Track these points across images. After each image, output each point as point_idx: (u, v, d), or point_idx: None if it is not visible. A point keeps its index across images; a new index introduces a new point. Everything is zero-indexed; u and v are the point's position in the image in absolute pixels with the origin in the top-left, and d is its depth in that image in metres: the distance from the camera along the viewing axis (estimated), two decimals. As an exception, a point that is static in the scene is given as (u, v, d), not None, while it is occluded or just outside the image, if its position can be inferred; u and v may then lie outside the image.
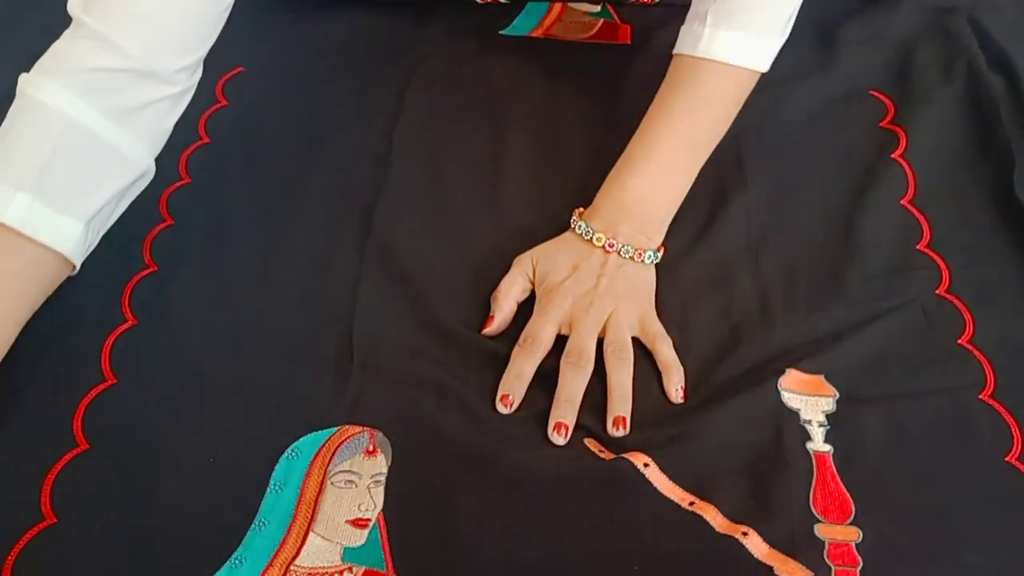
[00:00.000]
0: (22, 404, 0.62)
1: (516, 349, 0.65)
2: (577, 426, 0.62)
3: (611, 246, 0.68)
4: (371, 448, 0.61)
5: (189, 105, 0.71)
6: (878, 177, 0.77)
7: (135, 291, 0.69)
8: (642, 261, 0.69)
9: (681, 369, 0.65)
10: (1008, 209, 0.74)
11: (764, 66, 0.71)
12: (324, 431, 0.61)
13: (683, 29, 0.72)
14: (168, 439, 0.61)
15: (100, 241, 0.66)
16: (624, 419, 0.62)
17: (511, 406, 0.63)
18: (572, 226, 0.70)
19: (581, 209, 0.72)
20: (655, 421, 0.63)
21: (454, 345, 0.67)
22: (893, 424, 0.62)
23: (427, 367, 0.65)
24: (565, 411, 0.61)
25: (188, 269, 0.71)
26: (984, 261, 0.71)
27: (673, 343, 0.66)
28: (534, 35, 0.92)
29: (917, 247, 0.73)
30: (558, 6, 0.94)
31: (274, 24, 0.91)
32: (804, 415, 0.62)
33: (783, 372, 0.64)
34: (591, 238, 0.68)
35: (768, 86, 0.81)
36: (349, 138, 0.81)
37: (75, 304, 0.67)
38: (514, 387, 0.63)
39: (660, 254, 0.70)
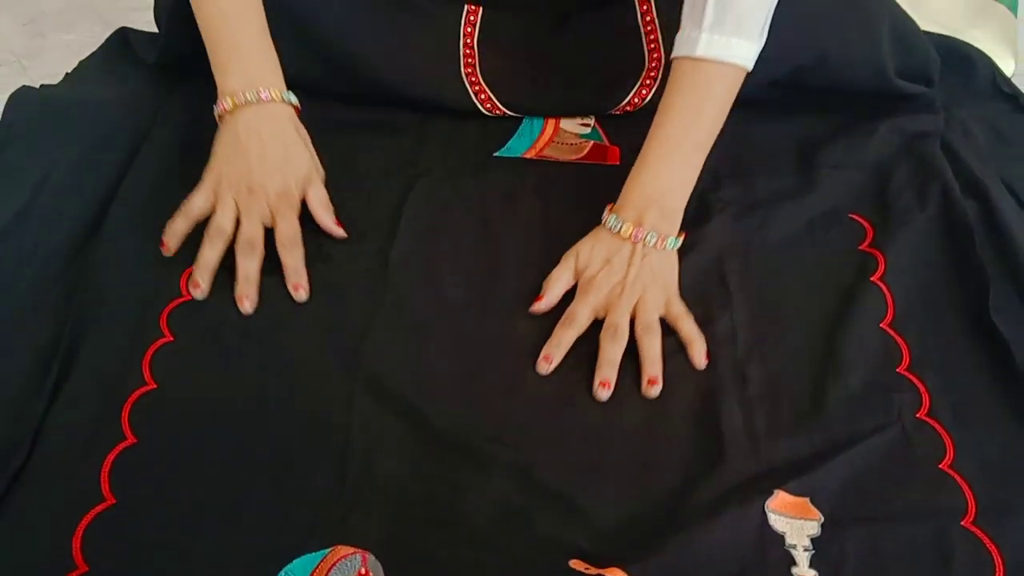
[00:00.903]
0: (22, 524, 0.62)
1: (558, 327, 0.76)
2: (563, 544, 0.63)
3: (637, 236, 0.77)
4: (363, 571, 0.61)
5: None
6: (858, 300, 0.79)
7: (135, 407, 0.70)
8: (664, 247, 0.78)
9: (703, 339, 0.76)
10: (983, 333, 0.76)
11: (750, 65, 0.79)
12: (316, 553, 0.62)
13: (678, 36, 0.80)
14: (165, 563, 0.61)
15: (100, 360, 0.69)
16: (656, 378, 0.73)
17: (551, 363, 0.74)
18: (603, 220, 0.80)
19: (611, 205, 0.80)
20: (641, 536, 0.63)
21: (450, 457, 0.68)
22: (875, 549, 0.62)
23: (420, 486, 0.66)
24: (607, 372, 0.73)
25: (187, 389, 0.72)
26: (962, 385, 0.73)
27: (658, 456, 0.70)
28: (527, 156, 0.95)
29: (897, 370, 0.74)
30: (550, 128, 0.98)
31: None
32: (789, 539, 0.63)
33: (770, 493, 0.65)
34: (619, 230, 0.78)
35: (752, 208, 0.85)
36: (346, 256, 0.83)
37: (72, 422, 0.68)
38: (554, 352, 0.74)
39: (680, 240, 0.80)
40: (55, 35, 1.11)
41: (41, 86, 0.95)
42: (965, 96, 0.99)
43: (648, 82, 0.96)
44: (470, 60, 0.97)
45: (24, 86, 0.90)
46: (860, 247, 0.85)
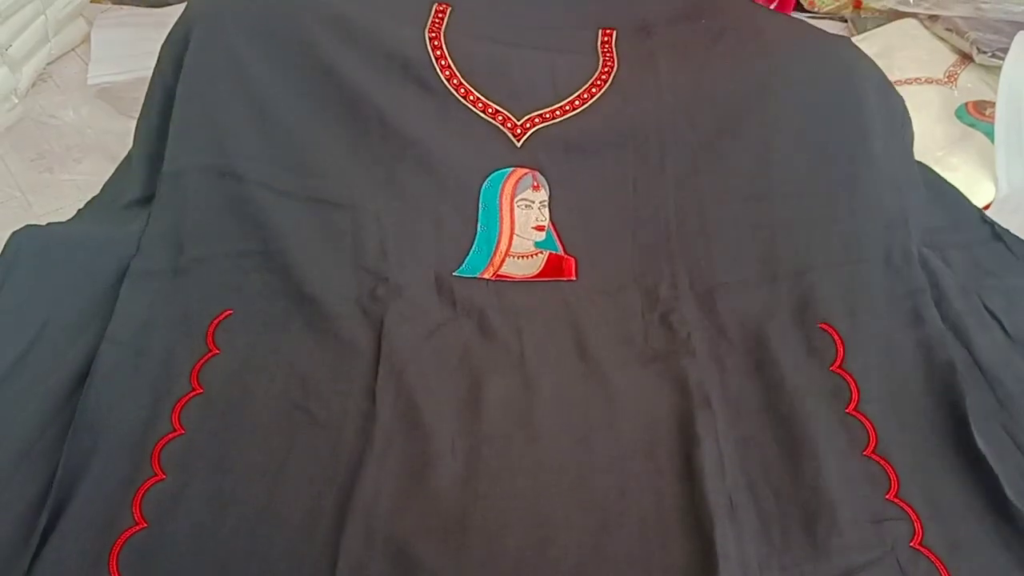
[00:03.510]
0: None
1: None
2: None
3: None
4: None
5: (182, 355, 0.78)
6: (837, 431, 0.79)
7: (122, 553, 0.69)
8: None
9: None
10: (969, 465, 0.75)
11: None
12: None
13: None
14: None
15: (87, 499, 0.70)
16: None
17: None
18: None
19: None
20: None
21: None
22: None
23: None
24: None
25: (179, 527, 0.71)
26: (953, 515, 0.72)
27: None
28: (486, 276, 0.96)
29: (886, 497, 0.74)
30: (505, 239, 0.98)
31: (257, 262, 0.93)
32: None
33: None
34: None
35: (720, 331, 0.89)
36: (334, 392, 0.83)
37: (62, 565, 0.67)
38: None
39: None
40: (62, 171, 1.15)
41: (48, 224, 0.97)
42: (945, 223, 1.01)
43: (598, 83, 0.98)
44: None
45: (28, 224, 0.92)
46: (831, 368, 0.85)
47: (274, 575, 0.69)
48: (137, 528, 0.71)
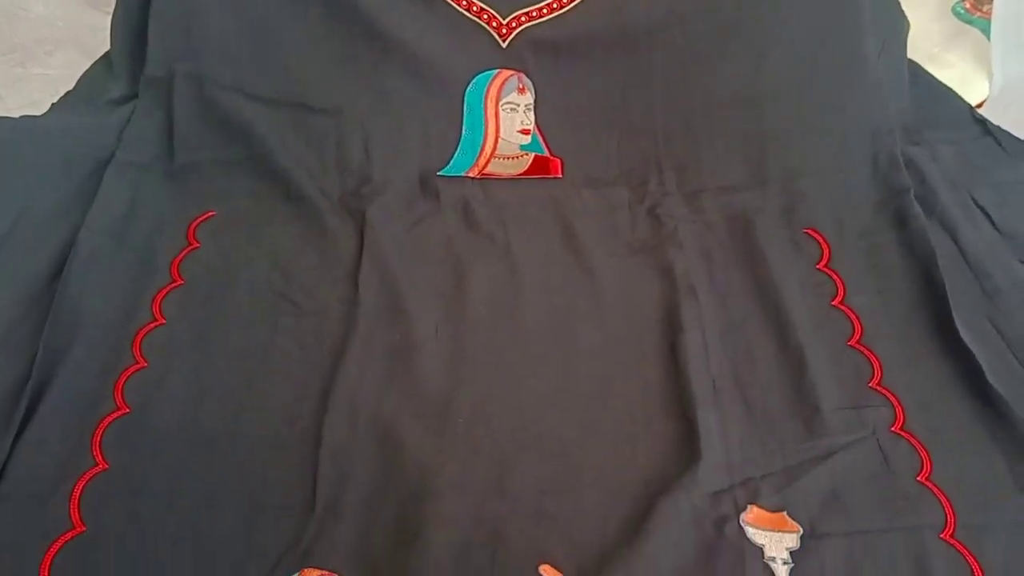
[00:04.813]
0: None
1: None
2: (534, 553, 0.63)
3: None
4: None
5: (162, 251, 0.74)
6: (822, 322, 0.79)
7: (105, 435, 0.69)
8: None
9: None
10: (952, 351, 0.76)
11: None
12: (286, 578, 0.61)
13: None
14: None
15: (68, 383, 0.69)
16: None
17: None
18: None
19: None
20: (617, 543, 0.63)
21: (422, 475, 0.67)
22: (854, 562, 0.62)
23: (391, 505, 0.66)
24: None
25: (162, 411, 0.71)
26: (935, 400, 0.73)
27: (636, 458, 0.70)
28: (471, 175, 0.95)
29: (869, 385, 0.74)
30: (491, 141, 0.97)
31: (244, 168, 0.92)
32: (768, 552, 0.63)
33: (745, 507, 0.65)
34: None
35: (708, 227, 0.89)
36: (316, 282, 0.83)
37: (43, 448, 0.67)
38: None
39: None
40: (34, 65, 1.11)
41: (21, 117, 0.95)
42: (936, 122, 0.99)
43: None
44: None
45: (1, 117, 0.90)
46: (817, 266, 0.85)
47: (258, 457, 0.69)
48: (119, 412, 0.71)
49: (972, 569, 0.62)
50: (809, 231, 0.88)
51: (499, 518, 0.65)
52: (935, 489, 0.67)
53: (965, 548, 0.63)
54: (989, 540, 0.63)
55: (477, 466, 0.68)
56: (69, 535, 0.63)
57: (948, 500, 0.66)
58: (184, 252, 0.84)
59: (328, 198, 0.90)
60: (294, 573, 0.61)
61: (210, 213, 0.88)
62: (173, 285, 0.81)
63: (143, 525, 0.64)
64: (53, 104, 0.98)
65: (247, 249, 0.85)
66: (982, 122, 0.98)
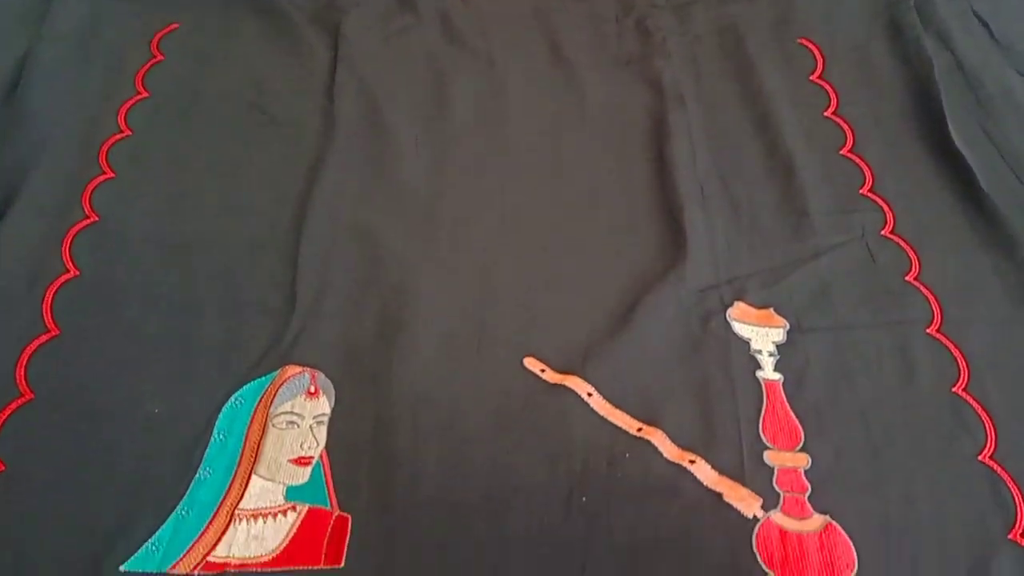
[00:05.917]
0: None
1: None
2: (518, 347, 0.62)
3: None
4: (312, 389, 0.60)
5: (126, 63, 0.71)
6: (814, 132, 0.78)
7: (75, 242, 0.67)
8: None
9: None
10: (944, 158, 0.74)
11: None
12: (267, 376, 0.60)
13: None
14: (112, 392, 0.59)
15: (37, 192, 0.66)
16: None
17: None
18: None
19: None
20: (602, 336, 0.63)
21: (405, 271, 0.66)
22: (841, 355, 0.62)
23: (373, 299, 0.65)
24: None
25: (133, 219, 0.69)
26: (925, 205, 0.72)
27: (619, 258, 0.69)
28: None
29: (860, 191, 0.73)
30: None
31: None
32: (755, 344, 0.63)
33: (731, 304, 0.65)
34: None
35: (697, 38, 0.86)
36: (293, 89, 0.80)
37: (12, 256, 0.65)
38: None
39: None
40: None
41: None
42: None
43: None
44: None
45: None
46: (810, 78, 0.82)
47: (237, 261, 0.67)
48: (88, 220, 0.68)
49: (956, 360, 0.62)
50: (803, 40, 0.85)
51: (483, 313, 0.64)
52: (922, 287, 0.66)
53: (950, 340, 0.63)
54: (973, 334, 0.64)
55: (460, 266, 0.67)
56: (44, 337, 0.61)
57: (935, 297, 0.66)
58: (149, 63, 0.80)
59: (301, 9, 0.86)
60: (276, 370, 0.60)
61: (174, 25, 0.84)
62: (139, 97, 0.78)
63: (123, 328, 0.63)
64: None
65: (216, 61, 0.82)
66: None
